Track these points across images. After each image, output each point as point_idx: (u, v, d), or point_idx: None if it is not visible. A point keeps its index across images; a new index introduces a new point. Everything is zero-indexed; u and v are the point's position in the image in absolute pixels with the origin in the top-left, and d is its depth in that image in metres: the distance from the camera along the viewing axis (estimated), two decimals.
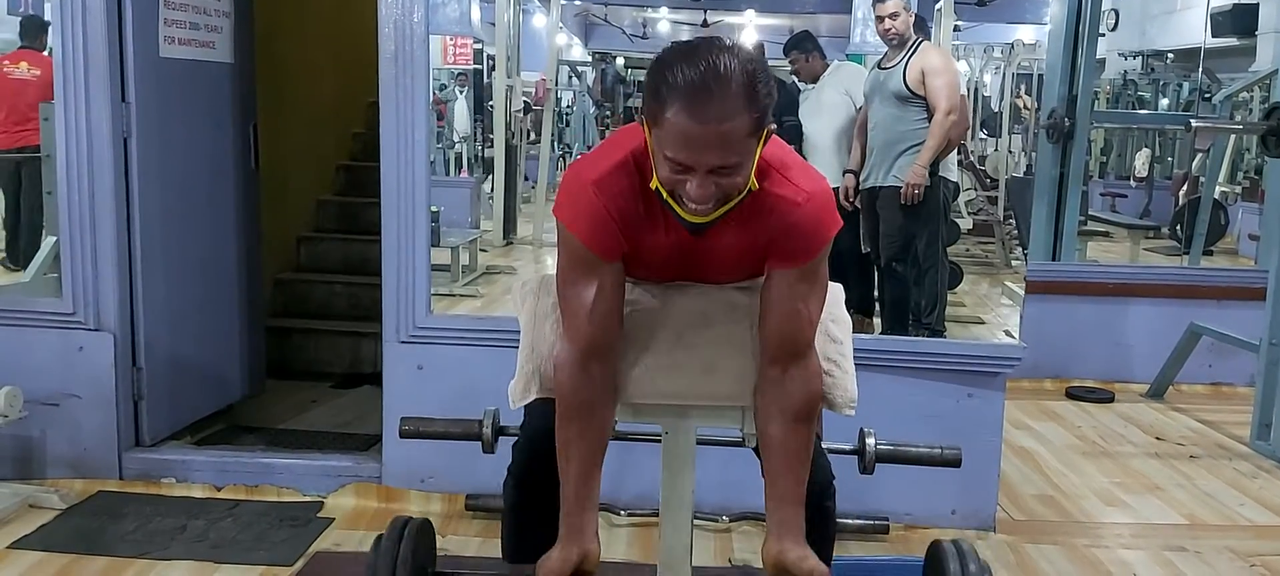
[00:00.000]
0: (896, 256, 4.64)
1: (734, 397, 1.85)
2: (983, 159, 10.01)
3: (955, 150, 4.78)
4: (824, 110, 5.09)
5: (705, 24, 11.98)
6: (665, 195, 1.64)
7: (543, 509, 1.94)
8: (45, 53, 6.66)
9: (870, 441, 2.20)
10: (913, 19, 4.53)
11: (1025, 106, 10.58)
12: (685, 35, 10.31)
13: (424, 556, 2.05)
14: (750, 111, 1.54)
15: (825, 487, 2.00)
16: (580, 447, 1.81)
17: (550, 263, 7.61)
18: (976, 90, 10.24)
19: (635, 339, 1.84)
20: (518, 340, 1.99)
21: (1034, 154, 8.46)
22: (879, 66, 4.69)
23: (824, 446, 2.04)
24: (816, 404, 1.84)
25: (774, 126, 1.64)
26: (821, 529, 1.96)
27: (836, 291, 2.02)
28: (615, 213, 1.70)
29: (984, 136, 10.82)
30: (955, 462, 2.31)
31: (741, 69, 1.54)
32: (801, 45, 5.24)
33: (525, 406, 1.96)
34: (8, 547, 2.93)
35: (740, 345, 1.84)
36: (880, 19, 4.53)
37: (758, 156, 1.61)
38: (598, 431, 1.83)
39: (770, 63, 5.87)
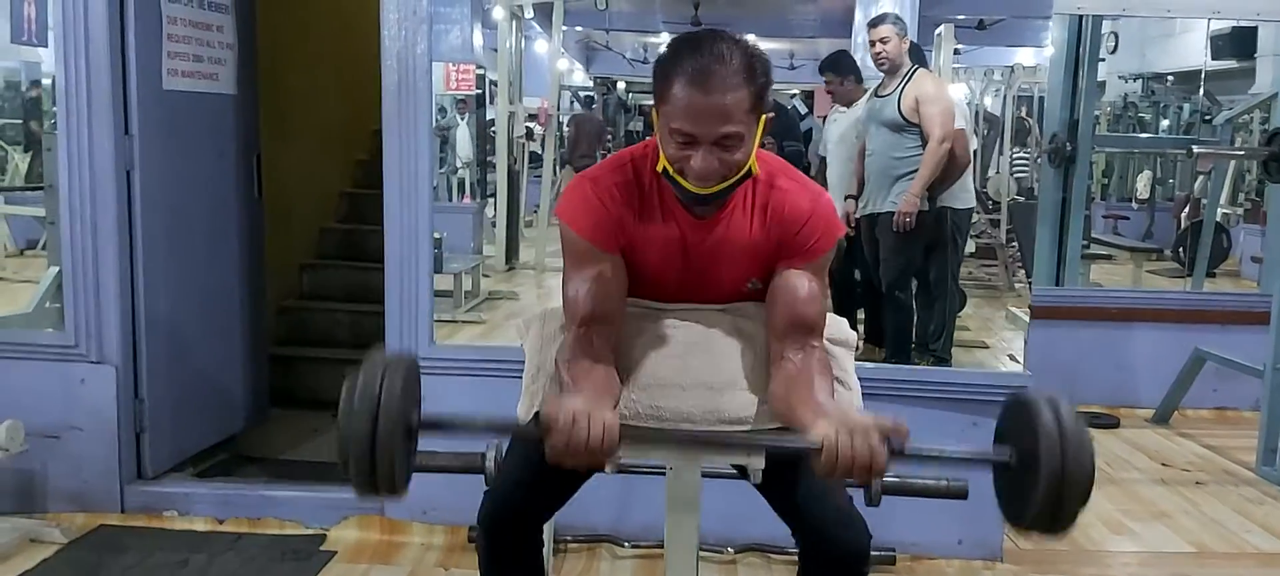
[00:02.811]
0: (896, 283, 4.63)
1: (739, 418, 1.84)
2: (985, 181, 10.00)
3: (964, 176, 4.73)
4: (850, 139, 4.98)
5: None
6: (672, 172, 1.72)
7: (514, 560, 1.97)
8: None
9: None
10: (906, 45, 4.53)
11: (1029, 128, 10.58)
12: None
13: (411, 400, 1.57)
14: (749, 87, 1.66)
15: (864, 554, 1.90)
16: (588, 389, 1.71)
17: (552, 286, 7.60)
18: (978, 113, 10.24)
19: (638, 361, 1.84)
20: (520, 370, 1.99)
21: (1036, 177, 8.46)
22: (876, 93, 4.70)
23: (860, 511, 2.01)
24: (830, 368, 1.85)
25: (772, 114, 1.72)
26: None
27: (840, 321, 2.03)
28: (610, 205, 1.80)
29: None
30: (962, 494, 2.29)
31: (741, 51, 1.68)
32: (838, 66, 5.12)
33: (506, 455, 2.00)
34: None
35: (746, 367, 1.84)
36: (872, 43, 4.55)
37: (758, 138, 1.72)
38: (604, 379, 1.77)
39: (776, 85, 5.90)
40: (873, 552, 3.18)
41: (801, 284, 1.81)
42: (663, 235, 1.83)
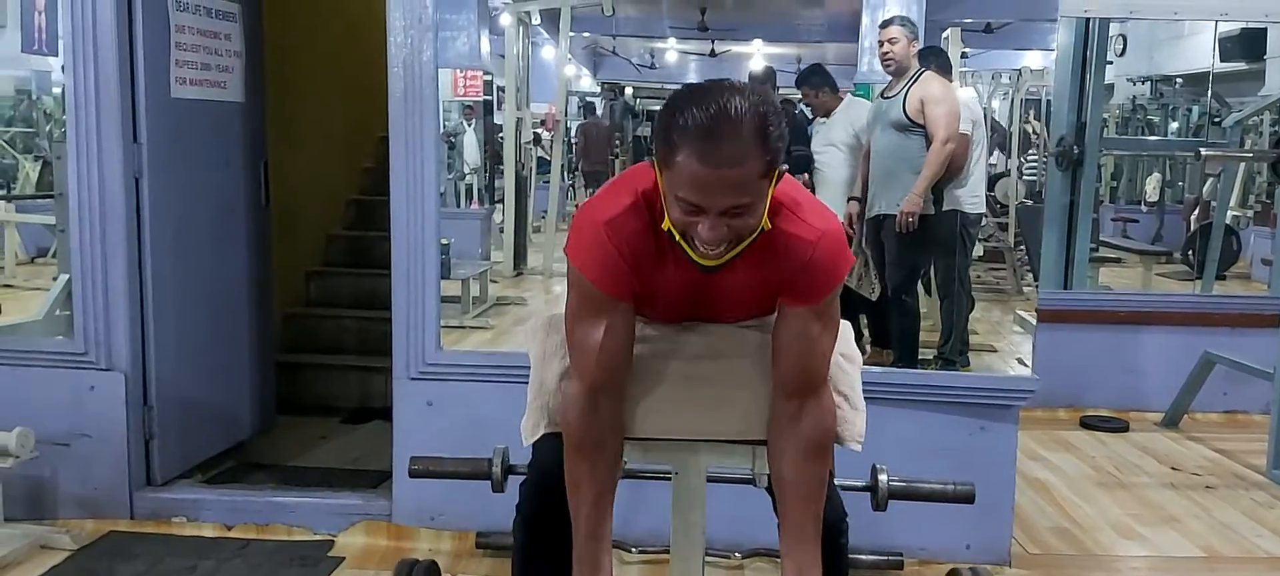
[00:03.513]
0: (903, 287, 4.63)
1: (744, 432, 1.84)
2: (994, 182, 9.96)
3: (975, 181, 4.74)
4: (834, 146, 5.06)
5: (712, 54, 11.99)
6: (677, 236, 1.63)
7: (553, 549, 1.93)
8: None
9: (882, 477, 2.19)
10: (914, 48, 4.53)
11: (1034, 132, 10.55)
12: (693, 65, 10.31)
13: None
14: (762, 154, 1.52)
15: (838, 525, 1.99)
16: (591, 485, 1.81)
17: (559, 292, 7.60)
18: (986, 116, 10.21)
19: (645, 375, 1.84)
20: (527, 376, 1.99)
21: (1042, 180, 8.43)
22: (882, 95, 4.70)
23: (836, 482, 2.03)
24: (830, 440, 1.84)
25: (785, 167, 1.62)
26: (835, 567, 1.95)
27: (846, 328, 2.01)
28: (626, 254, 1.68)
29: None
30: (968, 498, 2.29)
31: (753, 111, 1.51)
32: (811, 79, 5.21)
33: (534, 444, 1.97)
34: None
35: (750, 380, 1.83)
36: (880, 43, 4.56)
37: (769, 197, 1.60)
38: (608, 468, 1.82)
39: (780, 89, 5.90)
40: (879, 555, 3.20)
41: (805, 331, 1.73)
42: (674, 280, 1.75)
